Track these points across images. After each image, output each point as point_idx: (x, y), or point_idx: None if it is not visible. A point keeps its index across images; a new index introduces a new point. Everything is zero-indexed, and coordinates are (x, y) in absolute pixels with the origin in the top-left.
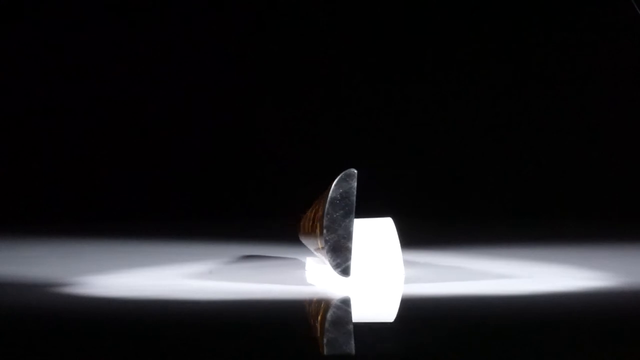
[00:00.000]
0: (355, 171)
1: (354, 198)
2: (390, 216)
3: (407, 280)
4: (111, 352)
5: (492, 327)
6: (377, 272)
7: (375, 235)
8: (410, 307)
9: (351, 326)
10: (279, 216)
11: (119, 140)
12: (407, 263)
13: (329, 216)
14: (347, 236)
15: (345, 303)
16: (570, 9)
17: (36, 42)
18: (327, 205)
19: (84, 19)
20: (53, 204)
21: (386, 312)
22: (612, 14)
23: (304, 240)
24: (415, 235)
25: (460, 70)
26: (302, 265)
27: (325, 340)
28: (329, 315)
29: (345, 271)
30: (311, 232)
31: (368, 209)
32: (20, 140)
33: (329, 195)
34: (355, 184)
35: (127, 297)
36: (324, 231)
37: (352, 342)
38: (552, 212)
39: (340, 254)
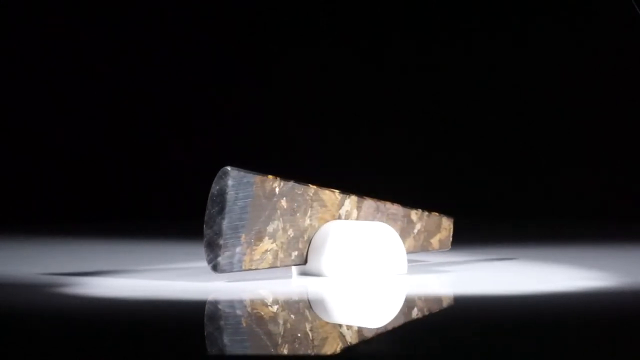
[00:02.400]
0: (229, 169)
1: (227, 196)
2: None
3: (407, 280)
4: (111, 352)
5: (492, 327)
6: (379, 273)
7: (377, 238)
8: (411, 307)
9: (223, 322)
10: None
11: (119, 140)
12: (407, 263)
13: (207, 212)
14: (219, 233)
15: (217, 300)
16: (570, 8)
17: (36, 42)
18: (207, 201)
19: (84, 18)
20: (53, 204)
21: (387, 313)
22: (612, 14)
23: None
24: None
25: (458, 70)
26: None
27: (205, 334)
28: (205, 311)
29: (215, 267)
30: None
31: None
32: (20, 140)
33: (210, 191)
34: (229, 182)
35: (127, 297)
36: (204, 226)
37: (225, 339)
38: (553, 212)
39: (212, 250)
